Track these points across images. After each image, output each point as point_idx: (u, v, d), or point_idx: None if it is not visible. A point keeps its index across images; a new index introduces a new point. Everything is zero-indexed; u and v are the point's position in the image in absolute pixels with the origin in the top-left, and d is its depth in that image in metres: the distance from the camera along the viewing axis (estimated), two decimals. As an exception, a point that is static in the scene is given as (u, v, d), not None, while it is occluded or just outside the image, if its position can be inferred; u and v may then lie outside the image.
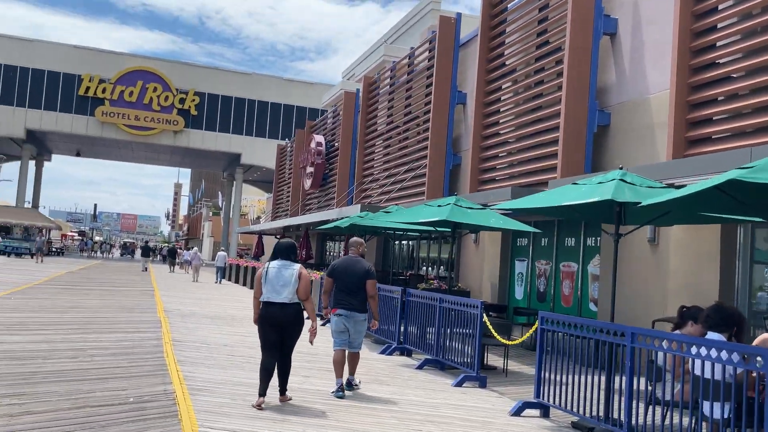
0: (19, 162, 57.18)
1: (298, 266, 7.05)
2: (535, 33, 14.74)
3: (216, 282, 30.56)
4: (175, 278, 33.01)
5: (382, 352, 11.55)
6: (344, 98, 27.19)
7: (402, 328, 11.46)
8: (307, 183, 30.87)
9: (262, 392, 6.91)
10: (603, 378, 6.52)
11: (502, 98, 15.91)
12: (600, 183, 6.96)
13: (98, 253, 70.67)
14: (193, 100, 56.64)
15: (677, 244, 10.74)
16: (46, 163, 65.52)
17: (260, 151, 57.78)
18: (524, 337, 8.78)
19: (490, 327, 8.58)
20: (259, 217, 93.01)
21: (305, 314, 7.22)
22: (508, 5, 16.23)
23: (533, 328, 7.63)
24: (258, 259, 39.67)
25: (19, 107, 52.51)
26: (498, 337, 8.76)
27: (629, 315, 11.44)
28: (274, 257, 7.18)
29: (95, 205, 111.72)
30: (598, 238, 13.05)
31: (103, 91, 53.97)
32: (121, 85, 54.62)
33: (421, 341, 10.72)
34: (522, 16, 15.29)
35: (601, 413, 6.45)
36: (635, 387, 6.09)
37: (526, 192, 11.66)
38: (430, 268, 21.33)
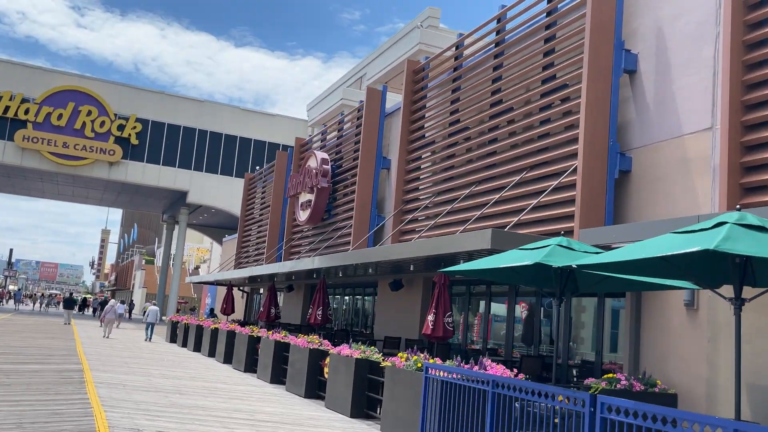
0: None
1: None
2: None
3: (146, 339, 27.27)
4: (108, 341, 25.01)
5: None
6: (366, 98, 19.55)
7: None
8: (302, 215, 22.82)
9: None
10: None
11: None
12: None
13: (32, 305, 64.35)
14: (134, 128, 47.77)
15: None
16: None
17: (210, 189, 49.39)
18: None
19: None
20: (197, 267, 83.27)
21: None
22: None
23: None
24: (214, 317, 31.08)
25: None
26: None
27: None
28: None
29: (11, 251, 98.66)
30: None
31: (26, 112, 44.70)
32: (49, 107, 45.40)
33: None
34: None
35: None
36: None
37: None
38: (541, 346, 13.60)
